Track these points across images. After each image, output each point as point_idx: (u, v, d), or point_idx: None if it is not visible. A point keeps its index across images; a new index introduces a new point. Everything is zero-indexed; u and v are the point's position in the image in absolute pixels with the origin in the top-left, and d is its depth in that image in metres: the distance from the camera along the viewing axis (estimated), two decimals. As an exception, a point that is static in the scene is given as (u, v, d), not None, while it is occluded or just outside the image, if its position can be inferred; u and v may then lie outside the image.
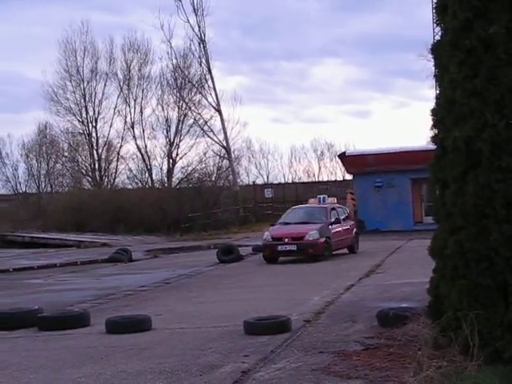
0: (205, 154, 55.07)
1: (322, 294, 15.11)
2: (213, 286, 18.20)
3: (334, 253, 23.90)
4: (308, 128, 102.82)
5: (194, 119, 55.63)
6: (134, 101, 57.15)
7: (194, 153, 55.73)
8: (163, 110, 56.32)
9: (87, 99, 57.20)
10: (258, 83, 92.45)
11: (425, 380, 7.14)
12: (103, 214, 44.73)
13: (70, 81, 57.06)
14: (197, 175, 54.61)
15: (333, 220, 24.08)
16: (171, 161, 55.80)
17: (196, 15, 54.22)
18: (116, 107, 57.23)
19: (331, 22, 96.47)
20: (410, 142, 70.53)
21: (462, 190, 7.90)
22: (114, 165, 58.15)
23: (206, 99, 54.99)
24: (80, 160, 58.60)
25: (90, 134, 57.36)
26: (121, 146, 57.74)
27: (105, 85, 57.35)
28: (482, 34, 7.84)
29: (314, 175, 69.76)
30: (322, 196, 26.27)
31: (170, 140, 55.99)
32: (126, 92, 57.28)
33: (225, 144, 54.53)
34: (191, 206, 46.74)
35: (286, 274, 19.94)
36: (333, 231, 23.81)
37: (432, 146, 8.67)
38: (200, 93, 55.28)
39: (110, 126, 57.46)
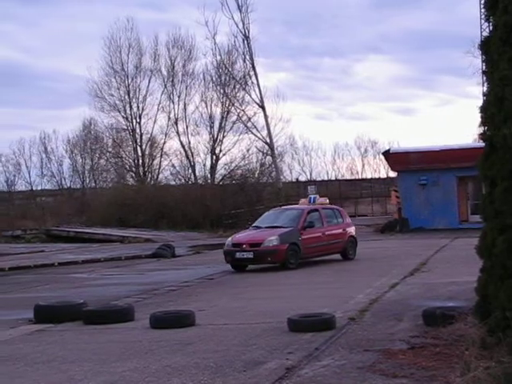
0: (248, 150, 55.16)
1: (365, 291, 15.02)
2: (255, 283, 18.20)
3: (328, 258, 22.26)
4: (351, 125, 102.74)
5: (238, 115, 55.72)
6: (178, 97, 57.42)
7: (238, 149, 55.85)
8: (207, 106, 56.51)
9: (131, 95, 57.61)
10: (301, 80, 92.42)
11: (472, 380, 7.04)
12: (146, 209, 45.01)
13: (115, 77, 57.55)
14: (240, 172, 54.66)
15: (306, 224, 21.56)
16: (214, 157, 55.93)
17: (240, 12, 54.39)
18: (160, 103, 57.58)
19: (374, 18, 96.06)
20: (455, 140, 69.88)
21: (512, 188, 7.78)
22: (157, 161, 58.52)
23: (250, 96, 55.11)
24: (124, 156, 59.02)
25: (133, 130, 57.76)
26: (164, 142, 58.08)
27: (149, 81, 57.75)
28: (534, 29, 7.70)
29: (357, 172, 69.59)
30: (312, 196, 24.05)
31: (213, 136, 56.14)
32: (170, 88, 57.58)
33: (268, 140, 54.52)
34: (234, 202, 46.82)
35: (329, 272, 19.85)
36: (305, 236, 21.27)
37: (479, 144, 8.55)
38: (244, 89, 55.37)
39: (154, 122, 57.84)
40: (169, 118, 57.50)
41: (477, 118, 8.45)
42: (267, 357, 9.26)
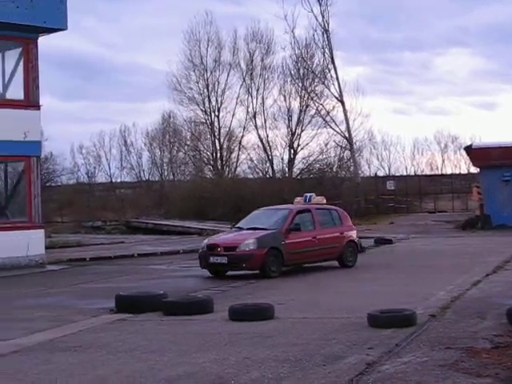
0: (326, 144, 54.91)
1: (446, 288, 14.76)
2: (334, 277, 18.11)
3: (323, 264, 20.05)
4: (431, 120, 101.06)
5: (316, 109, 55.51)
6: (257, 91, 57.50)
7: (316, 143, 55.63)
8: (285, 100, 56.43)
9: (210, 89, 57.93)
10: (380, 74, 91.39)
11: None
12: (224, 202, 45.24)
13: (194, 71, 57.94)
14: (318, 166, 54.48)
15: (292, 226, 19.08)
16: (292, 151, 55.85)
17: (320, 5, 54.15)
18: (238, 97, 57.74)
19: (455, 10, 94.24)
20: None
21: None
22: (235, 154, 58.74)
23: (329, 89, 54.83)
24: (202, 149, 59.44)
25: (212, 124, 58.12)
26: (242, 136, 58.25)
27: (228, 75, 57.96)
28: None
29: (437, 168, 68.47)
30: (308, 194, 21.23)
31: (291, 130, 56.05)
32: (249, 82, 57.69)
33: (347, 135, 54.18)
34: (312, 196, 46.61)
35: (410, 269, 19.57)
36: (290, 241, 18.79)
37: None
38: (322, 83, 55.12)
39: (232, 115, 58.05)
40: (247, 112, 57.68)
41: None
42: (347, 351, 9.17)
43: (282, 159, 56.44)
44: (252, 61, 57.69)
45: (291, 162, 55.68)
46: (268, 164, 57.07)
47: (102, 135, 65.96)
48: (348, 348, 9.38)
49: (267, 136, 56.80)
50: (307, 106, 55.73)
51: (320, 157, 54.90)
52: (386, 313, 10.94)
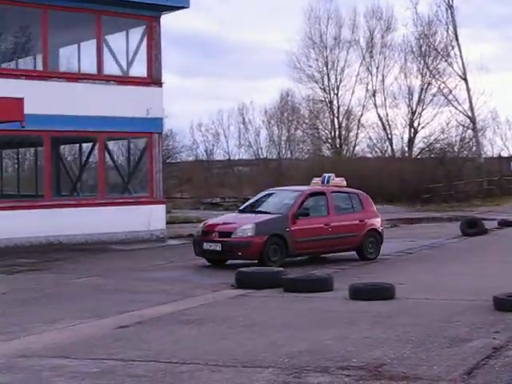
0: (448, 123, 53.76)
1: None
2: (456, 259, 17.69)
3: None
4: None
5: (438, 88, 54.41)
6: (376, 69, 56.81)
7: (437, 122, 54.63)
8: (406, 78, 55.57)
9: (329, 67, 57.61)
10: (506, 51, 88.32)
11: None
12: (342, 181, 44.88)
13: (313, 48, 57.74)
14: (439, 145, 53.38)
15: (300, 211, 16.88)
16: (412, 130, 54.96)
17: (444, -19, 52.81)
18: (358, 75, 57.22)
19: None
20: None
21: None
22: (353, 133, 58.28)
23: (452, 67, 53.57)
24: (320, 127, 59.25)
25: (331, 102, 57.79)
26: (361, 115, 57.73)
27: (347, 52, 57.48)
28: None
29: None
30: (327, 175, 18.50)
31: (411, 109, 55.13)
32: (368, 60, 57.06)
33: (469, 114, 52.82)
34: (432, 176, 45.78)
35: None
36: (297, 227, 16.62)
37: None
38: (445, 61, 53.92)
39: (352, 94, 57.58)
40: (366, 90, 57.11)
41: None
42: (472, 334, 8.91)
43: (402, 138, 55.71)
44: (372, 38, 57.02)
45: (411, 141, 54.81)
46: (387, 143, 56.42)
47: (220, 113, 66.75)
48: (472, 331, 9.12)
49: (387, 115, 56.13)
50: (429, 84, 54.72)
51: (441, 136, 53.85)
52: (513, 296, 10.57)
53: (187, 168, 55.98)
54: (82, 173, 25.34)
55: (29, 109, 19.06)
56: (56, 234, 21.06)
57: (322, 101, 58.43)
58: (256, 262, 15.85)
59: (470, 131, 53.21)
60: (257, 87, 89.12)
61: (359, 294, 11.59)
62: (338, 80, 57.59)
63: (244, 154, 63.93)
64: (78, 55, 24.95)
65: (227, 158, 63.83)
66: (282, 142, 62.48)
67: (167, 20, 30.18)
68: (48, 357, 8.11)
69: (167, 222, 24.47)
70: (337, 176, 18.47)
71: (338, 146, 57.64)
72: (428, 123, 54.52)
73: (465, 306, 10.86)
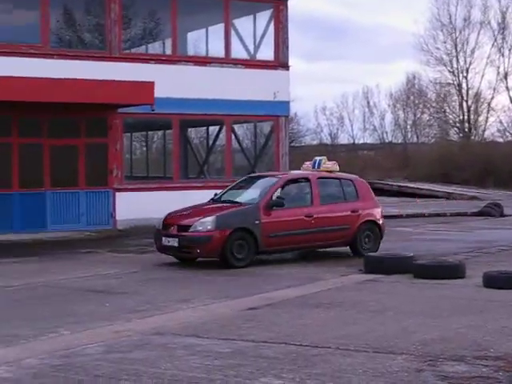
0: None
1: None
2: None
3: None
4: None
5: None
6: (509, 50, 54.94)
7: None
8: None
9: (458, 49, 56.10)
10: None
11: None
12: (471, 166, 43.79)
13: (442, 30, 56.34)
14: None
15: (274, 201, 14.60)
16: (545, 114, 52.91)
17: None
18: (488, 57, 55.47)
19: None
20: None
21: None
22: (483, 117, 56.64)
23: None
24: (448, 111, 57.89)
25: (459, 85, 56.32)
26: (492, 98, 56.00)
27: (478, 34, 55.77)
28: None
29: None
30: (318, 158, 16.29)
31: (544, 92, 53.06)
32: (500, 41, 55.22)
33: None
34: None
35: None
36: (269, 219, 14.44)
37: None
38: None
39: (482, 76, 55.92)
40: (497, 73, 55.32)
41: None
42: None
43: (535, 122, 53.69)
44: (504, 19, 55.08)
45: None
46: (519, 127, 54.51)
47: (345, 96, 66.28)
48: None
49: (518, 98, 54.18)
50: None
51: None
52: None
53: (311, 152, 55.85)
54: (209, 155, 25.68)
55: (158, 92, 19.50)
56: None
57: (449, 84, 57.04)
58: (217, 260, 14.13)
59: None
60: (382, 70, 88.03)
61: (495, 282, 11.19)
62: (468, 62, 56.05)
63: (368, 137, 63.30)
64: (206, 39, 25.26)
65: (351, 141, 63.37)
66: (408, 126, 61.45)
67: (294, 3, 29.95)
68: (181, 335, 8.23)
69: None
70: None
71: (466, 130, 56.16)
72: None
73: None
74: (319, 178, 15.55)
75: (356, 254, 15.41)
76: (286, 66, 23.92)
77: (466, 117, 56.34)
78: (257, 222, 14.29)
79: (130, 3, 22.28)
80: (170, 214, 15.00)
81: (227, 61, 23.21)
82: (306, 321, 9.03)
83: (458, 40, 56.02)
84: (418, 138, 61.06)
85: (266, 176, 16.32)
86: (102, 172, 21.15)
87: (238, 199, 15.25)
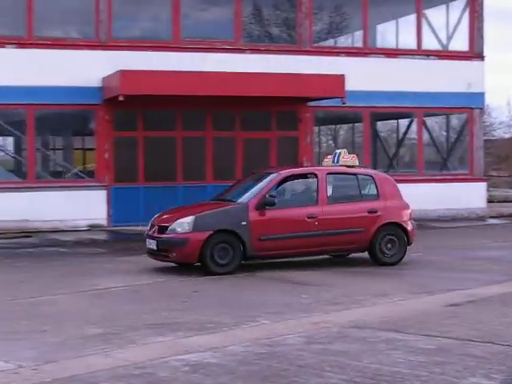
0: None
1: None
2: None
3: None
4: None
5: None
6: None
7: None
8: None
9: None
10: None
11: None
12: None
13: None
14: None
15: (267, 200, 12.64)
16: None
17: None
18: None
19: None
20: None
21: None
22: None
23: None
24: None
25: None
26: None
27: None
28: None
29: None
30: (338, 151, 14.07)
31: None
32: None
33: None
34: None
35: None
36: (261, 220, 12.67)
37: None
38: None
39: None
40: None
41: None
42: None
43: None
44: None
45: None
46: None
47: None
48: None
49: None
50: None
51: None
52: None
53: (505, 145, 53.69)
54: (399, 149, 25.25)
55: (349, 85, 19.41)
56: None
57: None
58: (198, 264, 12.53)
59: None
60: None
61: None
62: None
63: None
64: (396, 31, 24.83)
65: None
66: None
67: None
68: (380, 330, 8.06)
69: (486, 201, 23.64)
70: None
71: None
72: None
73: None
74: (329, 173, 13.49)
75: (376, 261, 13.33)
76: (480, 56, 23.14)
77: None
78: (244, 222, 12.56)
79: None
80: (157, 214, 13.67)
81: (419, 52, 22.76)
82: (511, 320, 8.61)
83: None
84: None
85: (269, 171, 14.09)
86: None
87: (232, 198, 13.53)
